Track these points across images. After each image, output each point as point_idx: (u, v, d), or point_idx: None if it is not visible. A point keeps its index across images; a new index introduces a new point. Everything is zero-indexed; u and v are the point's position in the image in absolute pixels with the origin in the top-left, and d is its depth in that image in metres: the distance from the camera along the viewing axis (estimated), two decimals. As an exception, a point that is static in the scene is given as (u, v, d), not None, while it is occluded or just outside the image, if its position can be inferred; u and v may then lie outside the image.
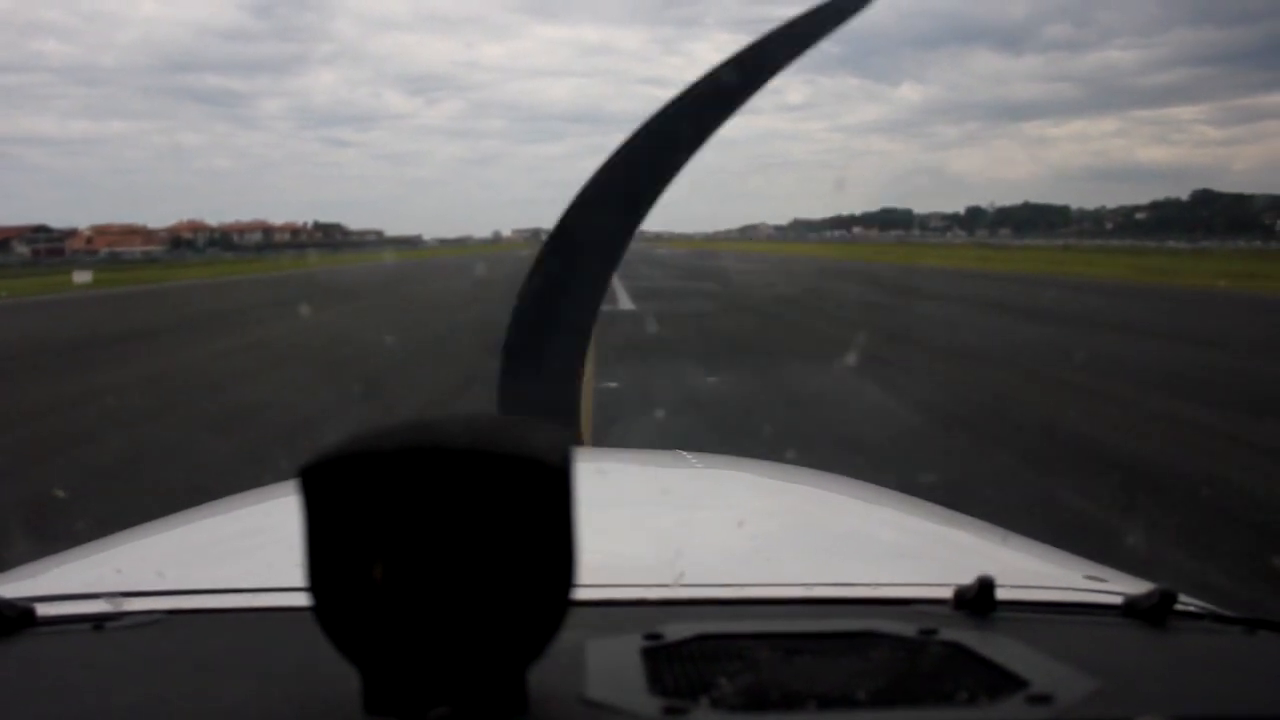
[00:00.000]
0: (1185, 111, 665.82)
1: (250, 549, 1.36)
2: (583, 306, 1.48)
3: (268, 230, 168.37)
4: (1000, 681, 0.67)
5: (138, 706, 0.70)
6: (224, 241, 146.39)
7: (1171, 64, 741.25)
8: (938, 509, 1.64)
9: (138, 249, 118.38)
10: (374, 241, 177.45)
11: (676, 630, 0.75)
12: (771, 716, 0.62)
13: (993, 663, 0.70)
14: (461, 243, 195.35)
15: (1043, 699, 0.64)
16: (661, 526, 1.40)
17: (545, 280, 1.49)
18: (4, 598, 0.87)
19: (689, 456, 2.03)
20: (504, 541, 0.53)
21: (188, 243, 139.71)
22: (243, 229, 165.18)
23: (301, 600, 0.55)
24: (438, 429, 0.55)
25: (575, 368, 1.49)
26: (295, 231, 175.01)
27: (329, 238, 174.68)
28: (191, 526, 1.51)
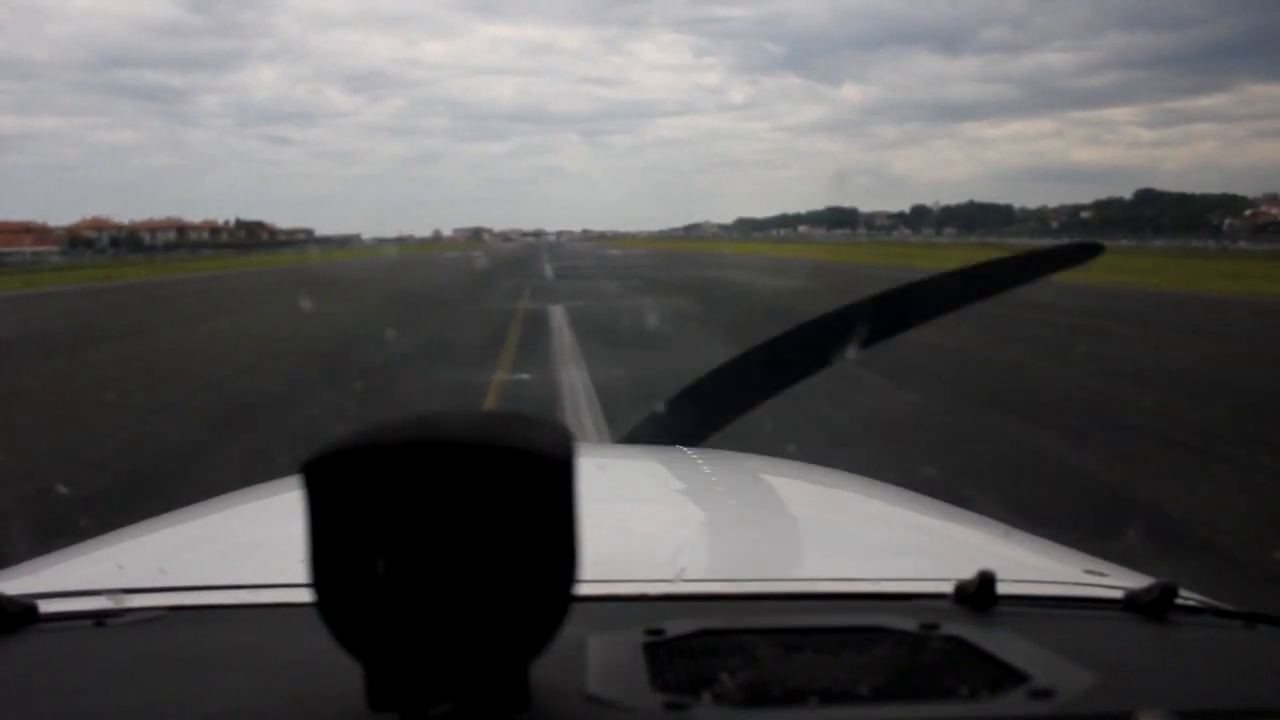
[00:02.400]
0: (1119, 113, 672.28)
1: (253, 544, 1.35)
2: (757, 392, 1.67)
3: (182, 229, 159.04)
4: (1001, 676, 0.67)
5: (140, 703, 0.70)
6: (131, 241, 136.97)
7: (1105, 67, 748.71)
8: (938, 504, 1.65)
9: (29, 249, 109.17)
10: (303, 240, 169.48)
11: (678, 625, 0.75)
12: (773, 711, 0.62)
13: (994, 657, 0.70)
14: (401, 242, 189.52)
15: (1044, 693, 0.64)
16: (663, 522, 1.40)
17: (746, 360, 1.67)
18: (5, 594, 0.87)
19: (690, 452, 2.03)
20: (506, 536, 0.53)
21: (88, 242, 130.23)
22: (154, 227, 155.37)
23: (304, 595, 0.55)
24: (440, 423, 0.55)
25: (715, 427, 1.61)
26: (215, 230, 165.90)
27: (252, 236, 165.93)
28: (193, 523, 1.50)
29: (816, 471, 1.95)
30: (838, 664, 0.68)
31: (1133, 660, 0.77)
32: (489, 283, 31.48)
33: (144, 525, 1.43)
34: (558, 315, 18.02)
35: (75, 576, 1.13)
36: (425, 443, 0.53)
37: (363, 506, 0.53)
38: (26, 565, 1.21)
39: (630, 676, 0.66)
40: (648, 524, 1.37)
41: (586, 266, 46.21)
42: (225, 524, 1.51)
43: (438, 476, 0.52)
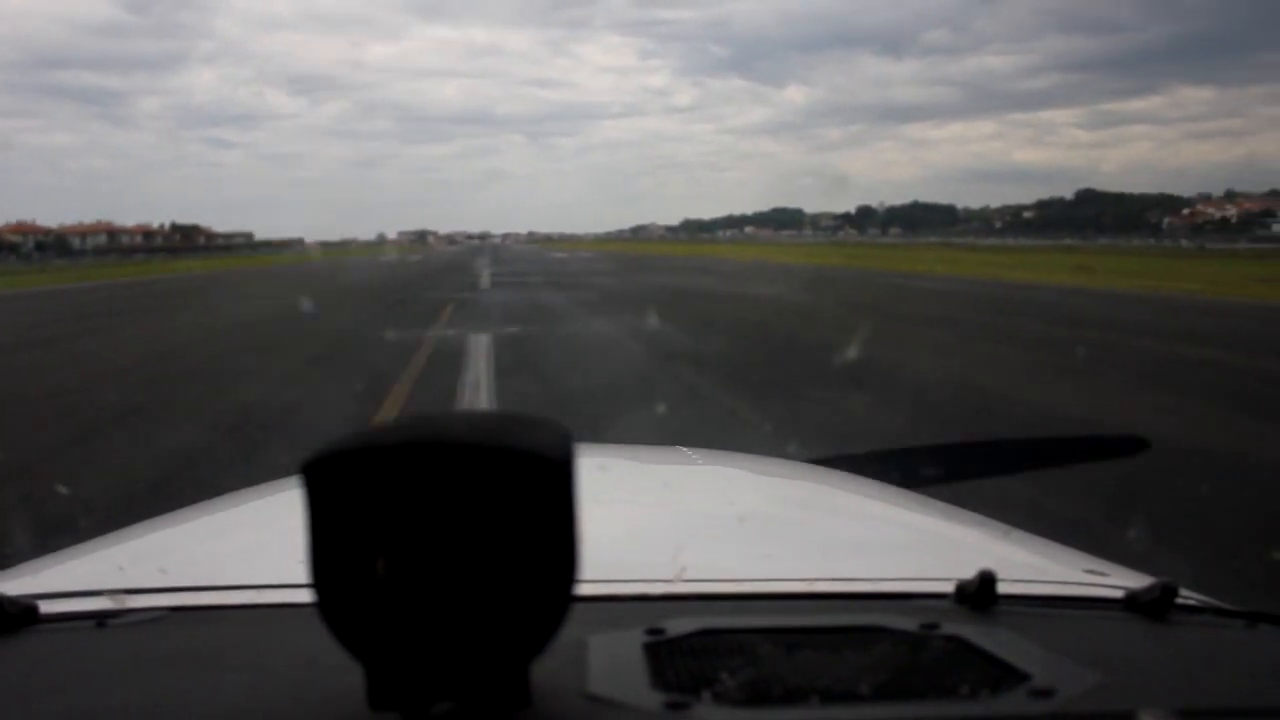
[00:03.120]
0: (1058, 115, 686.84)
1: (253, 545, 1.36)
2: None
3: (113, 232, 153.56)
4: (1002, 675, 0.67)
5: (141, 703, 0.70)
6: (59, 245, 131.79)
7: (1044, 70, 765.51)
8: (939, 504, 1.64)
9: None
10: (241, 245, 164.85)
11: (678, 625, 0.75)
12: (773, 711, 0.62)
13: (994, 657, 0.70)
14: (344, 246, 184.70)
15: (1044, 693, 0.64)
16: (663, 522, 1.40)
17: (878, 458, 1.74)
18: (6, 595, 0.87)
19: (690, 452, 2.02)
20: (507, 536, 0.53)
21: (12, 247, 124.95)
22: (84, 231, 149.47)
23: (305, 596, 0.55)
24: (440, 424, 0.55)
25: None
26: (149, 234, 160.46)
27: (188, 240, 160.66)
28: (194, 523, 1.50)
29: (816, 471, 1.91)
30: (838, 663, 0.68)
31: (1133, 660, 0.77)
32: (409, 295, 25.09)
33: (145, 525, 1.44)
34: (479, 358, 11.61)
35: (76, 577, 1.13)
36: (425, 443, 0.53)
37: (363, 507, 0.53)
38: (27, 566, 1.21)
39: (631, 676, 0.66)
40: (648, 524, 1.37)
41: (530, 273, 38.10)
42: (226, 524, 1.52)
43: (438, 477, 0.52)
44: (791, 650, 0.70)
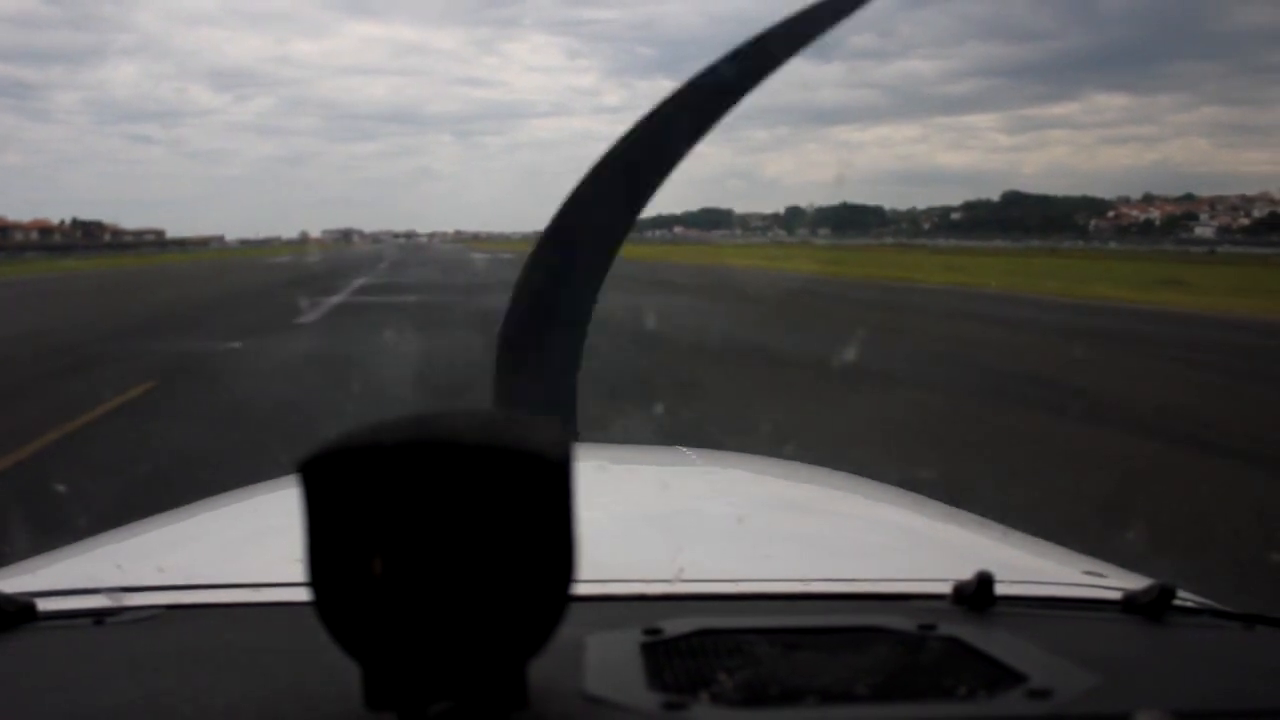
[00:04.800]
0: (980, 119, 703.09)
1: (250, 544, 1.35)
2: (580, 301, 1.39)
3: (5, 228, 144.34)
4: (999, 676, 0.67)
5: (138, 701, 0.70)
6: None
7: (966, 75, 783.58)
8: (937, 505, 1.63)
9: None
10: (151, 242, 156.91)
11: (676, 625, 0.75)
12: (771, 711, 0.62)
13: (992, 657, 0.70)
14: (266, 244, 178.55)
15: (1042, 693, 0.64)
16: (661, 522, 1.39)
17: (543, 274, 1.42)
18: (4, 593, 0.87)
19: (689, 452, 2.01)
20: (505, 536, 0.53)
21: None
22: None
23: (302, 595, 0.55)
24: (438, 423, 0.55)
25: (572, 362, 1.38)
26: (46, 230, 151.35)
27: (91, 238, 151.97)
28: (191, 521, 1.49)
29: (815, 472, 1.92)
30: (836, 664, 0.68)
31: (1131, 661, 0.77)
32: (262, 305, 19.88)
33: (143, 524, 1.43)
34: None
35: (74, 575, 1.13)
36: (423, 443, 0.52)
37: (360, 506, 0.52)
38: (25, 563, 1.21)
39: (628, 676, 0.66)
40: (646, 524, 1.36)
41: (439, 285, 27.80)
42: (223, 523, 1.51)
43: (436, 477, 0.52)
44: (789, 650, 0.70)
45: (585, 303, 1.40)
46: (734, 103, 1.38)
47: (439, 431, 0.53)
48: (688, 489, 1.66)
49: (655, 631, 0.73)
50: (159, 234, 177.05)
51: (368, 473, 0.52)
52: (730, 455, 2.09)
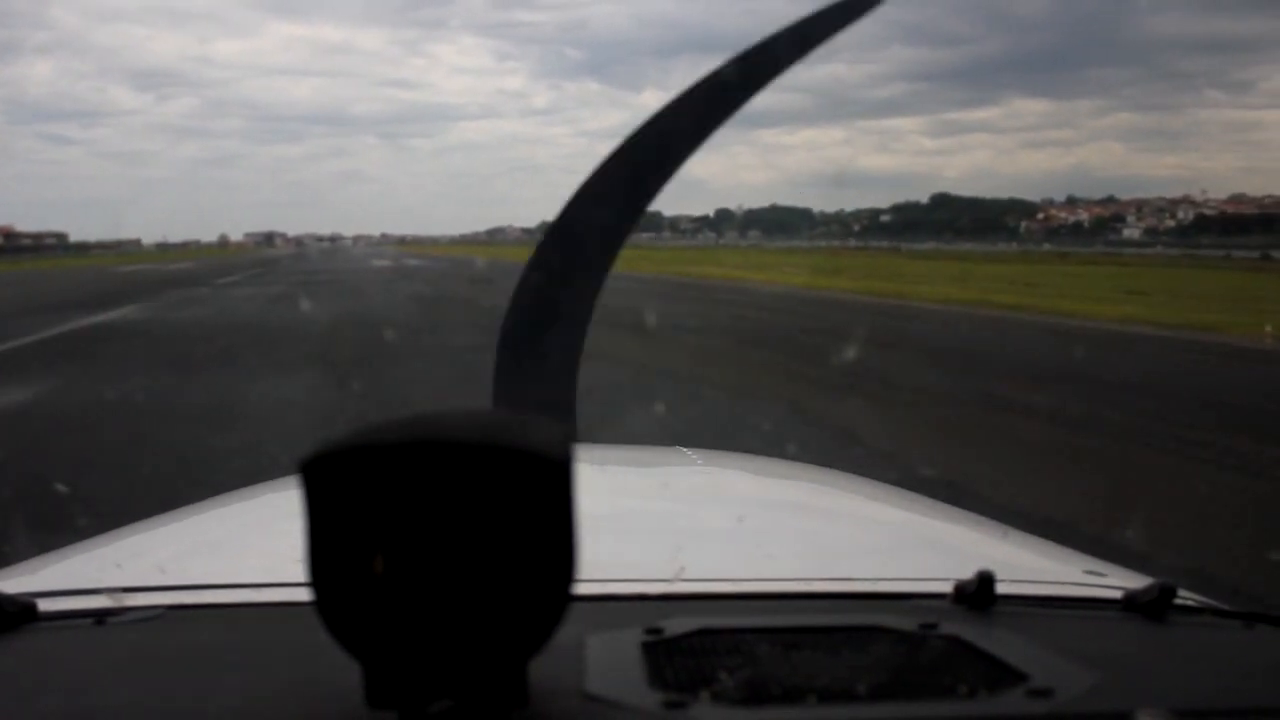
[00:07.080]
0: (904, 123, 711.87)
1: (251, 543, 1.34)
2: (581, 300, 1.40)
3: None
4: (1000, 675, 0.67)
5: (139, 701, 0.70)
6: None
7: (890, 79, 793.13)
8: (937, 504, 1.63)
9: None
10: (52, 247, 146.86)
11: (676, 625, 0.75)
12: (771, 710, 0.62)
13: (993, 657, 0.70)
14: (185, 247, 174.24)
15: (1043, 693, 0.64)
16: (662, 522, 1.39)
17: (544, 273, 1.43)
18: (5, 593, 0.87)
19: (689, 452, 2.02)
20: (506, 536, 0.53)
21: None
22: None
23: (303, 594, 0.55)
24: (439, 422, 0.55)
25: (572, 362, 1.38)
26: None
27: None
28: (192, 522, 1.49)
29: (815, 471, 1.92)
30: (836, 663, 0.68)
31: (1131, 660, 0.77)
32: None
33: (143, 524, 1.43)
34: None
35: (75, 575, 1.13)
36: (424, 442, 0.52)
37: (361, 506, 0.52)
38: (26, 564, 1.21)
39: (629, 675, 0.66)
40: (647, 523, 1.36)
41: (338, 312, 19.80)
42: (224, 523, 1.51)
43: (436, 476, 0.52)
44: (789, 650, 0.70)
45: (585, 303, 1.40)
46: (738, 106, 1.39)
47: (440, 431, 0.53)
48: (688, 489, 1.68)
49: (656, 631, 0.73)
50: (61, 237, 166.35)
51: (369, 472, 0.52)
52: (730, 455, 2.11)
